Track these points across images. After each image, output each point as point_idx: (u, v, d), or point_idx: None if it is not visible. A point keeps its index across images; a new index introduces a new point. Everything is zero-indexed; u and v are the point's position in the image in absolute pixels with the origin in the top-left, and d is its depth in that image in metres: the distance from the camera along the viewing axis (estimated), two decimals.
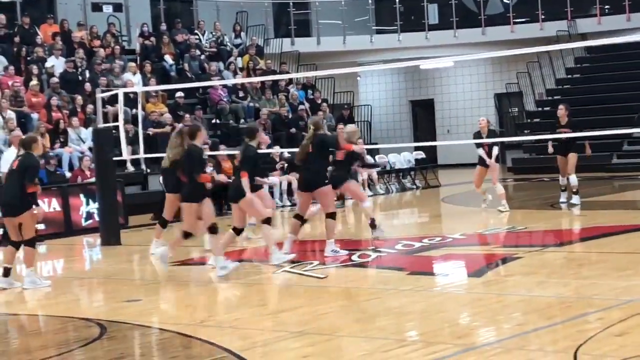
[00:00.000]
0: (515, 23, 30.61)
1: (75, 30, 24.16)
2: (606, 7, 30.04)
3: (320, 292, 9.74)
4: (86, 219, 17.62)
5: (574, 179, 16.39)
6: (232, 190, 11.55)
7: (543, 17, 30.17)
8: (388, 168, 24.71)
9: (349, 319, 8.39)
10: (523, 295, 9.01)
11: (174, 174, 11.88)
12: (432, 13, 31.90)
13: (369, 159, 20.64)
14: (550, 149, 16.42)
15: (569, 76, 30.27)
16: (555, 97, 29.75)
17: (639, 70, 27.87)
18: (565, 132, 15.83)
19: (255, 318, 8.61)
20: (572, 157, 16.31)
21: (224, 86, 24.47)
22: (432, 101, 34.04)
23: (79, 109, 20.80)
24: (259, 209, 11.57)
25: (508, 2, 31.42)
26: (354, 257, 11.95)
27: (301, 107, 24.95)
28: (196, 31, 26.92)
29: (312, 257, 12.32)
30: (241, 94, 24.90)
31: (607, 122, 24.47)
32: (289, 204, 21.17)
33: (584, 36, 28.84)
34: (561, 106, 16.47)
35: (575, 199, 16.36)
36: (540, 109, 29.86)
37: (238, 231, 11.65)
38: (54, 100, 20.55)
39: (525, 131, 28.89)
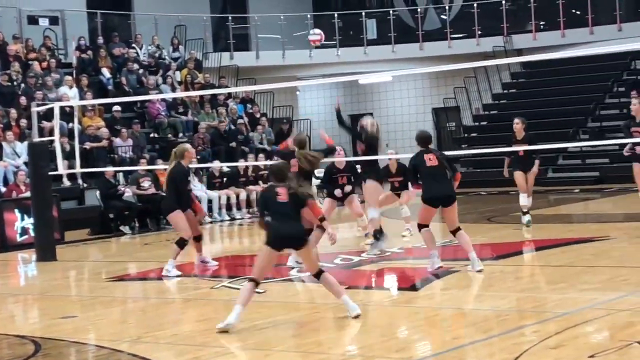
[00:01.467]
0: (452, 39, 30.93)
1: (11, 43, 23.85)
2: (541, 23, 30.50)
3: (259, 307, 9.70)
4: (21, 235, 17.36)
5: (529, 200, 15.89)
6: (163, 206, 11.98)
7: (480, 32, 30.54)
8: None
9: (288, 334, 8.37)
10: (459, 308, 9.08)
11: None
12: (371, 28, 32.11)
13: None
14: (506, 172, 15.84)
15: (505, 91, 30.66)
16: (492, 112, 30.15)
17: (573, 86, 28.34)
18: (522, 147, 15.34)
19: (193, 334, 8.55)
20: (532, 176, 15.52)
21: (163, 100, 24.34)
22: (371, 115, 34.16)
23: (13, 123, 20.51)
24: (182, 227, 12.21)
25: (445, 18, 31.75)
26: (293, 272, 11.94)
27: (240, 121, 24.92)
28: (134, 45, 26.75)
29: (250, 272, 12.26)
30: (180, 108, 24.77)
31: (542, 136, 24.74)
32: (227, 218, 21.11)
33: (519, 52, 29.24)
34: (517, 120, 15.60)
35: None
36: (477, 123, 30.19)
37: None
38: None
39: (463, 145, 29.17)
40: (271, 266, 8.92)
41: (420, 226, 11.31)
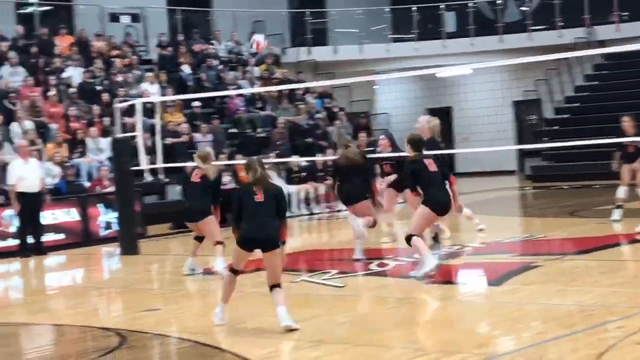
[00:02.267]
0: (533, 30, 30.51)
1: (93, 40, 24.26)
2: (625, 14, 29.89)
3: (339, 301, 9.71)
4: (105, 229, 17.65)
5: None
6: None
7: (561, 24, 30.06)
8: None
9: (367, 328, 8.35)
10: (542, 303, 8.96)
11: None
12: (450, 21, 31.84)
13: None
14: (617, 165, 15.40)
15: (588, 83, 30.15)
16: (574, 105, 29.67)
17: None
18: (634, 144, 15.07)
19: (274, 327, 8.58)
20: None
21: (241, 95, 24.50)
22: (449, 109, 33.96)
23: (96, 119, 20.87)
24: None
25: (526, 9, 31.34)
26: (372, 266, 11.92)
27: (318, 115, 24.95)
28: (213, 41, 26.98)
29: (330, 266, 12.29)
30: (258, 103, 24.92)
31: None
32: (306, 212, 21.17)
33: (602, 43, 28.72)
34: (626, 118, 15.39)
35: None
36: (558, 116, 29.75)
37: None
38: (72, 111, 20.63)
39: (544, 138, 28.77)
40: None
41: (411, 237, 10.52)
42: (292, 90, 25.41)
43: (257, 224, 8.37)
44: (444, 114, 33.84)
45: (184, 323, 9.23)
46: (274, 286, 8.41)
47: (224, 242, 12.02)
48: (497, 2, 31.50)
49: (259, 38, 25.19)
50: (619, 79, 29.18)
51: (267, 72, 26.21)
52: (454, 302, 9.54)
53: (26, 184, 15.68)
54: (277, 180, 20.84)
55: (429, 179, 10.53)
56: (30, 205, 15.73)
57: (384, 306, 9.43)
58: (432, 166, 10.58)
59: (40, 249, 15.93)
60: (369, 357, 7.28)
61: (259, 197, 8.43)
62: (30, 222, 15.83)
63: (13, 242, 16.16)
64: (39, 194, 15.89)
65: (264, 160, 8.93)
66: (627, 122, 15.24)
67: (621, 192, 15.23)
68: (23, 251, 15.83)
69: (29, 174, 15.86)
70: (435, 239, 12.72)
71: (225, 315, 8.73)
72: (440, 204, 10.55)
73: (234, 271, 8.73)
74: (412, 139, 10.86)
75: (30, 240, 15.96)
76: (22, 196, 15.69)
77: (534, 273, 10.72)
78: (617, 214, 15.15)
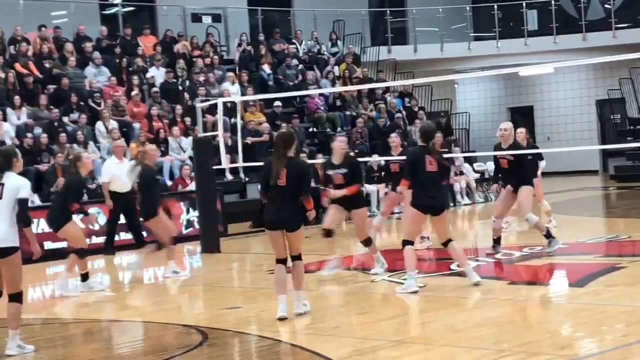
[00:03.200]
0: (617, 28, 29.96)
1: (176, 41, 24.57)
2: None
3: (419, 301, 9.67)
4: (186, 227, 17.86)
5: None
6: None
7: None
8: (487, 176, 24.43)
9: (448, 329, 8.30)
10: (627, 305, 8.80)
11: None
12: (532, 19, 31.43)
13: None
14: None
15: None
16: None
17: None
18: None
19: (354, 326, 8.59)
20: None
21: (321, 95, 24.55)
22: (531, 108, 33.56)
23: (178, 119, 21.13)
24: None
25: (610, 7, 30.79)
26: (453, 266, 11.84)
27: (398, 115, 24.87)
28: (294, 40, 27.10)
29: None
30: (338, 102, 24.94)
31: None
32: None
33: None
34: None
35: None
36: None
37: None
38: (155, 110, 20.92)
39: (628, 138, 28.24)
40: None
41: (406, 242, 10.19)
42: (372, 89, 25.37)
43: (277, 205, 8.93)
44: (525, 113, 33.57)
45: (264, 321, 9.29)
46: (294, 257, 9.05)
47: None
48: None
49: None
50: None
51: (347, 71, 26.23)
52: (537, 303, 9.42)
53: (120, 184, 15.87)
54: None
55: (423, 178, 10.10)
56: (123, 204, 15.98)
57: (465, 306, 9.36)
58: (431, 165, 10.10)
59: (141, 245, 16.38)
60: (450, 358, 7.24)
61: (282, 181, 8.85)
62: (128, 222, 16.15)
63: (100, 240, 16.52)
64: (131, 192, 16.18)
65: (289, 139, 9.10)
66: None
67: None
68: (109, 249, 16.17)
69: (122, 173, 16.13)
70: (498, 241, 12.54)
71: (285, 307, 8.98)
72: (426, 207, 10.12)
73: (279, 260, 9.14)
74: (423, 128, 10.51)
75: (127, 236, 16.33)
76: (115, 195, 15.99)
77: (618, 274, 10.54)
78: None
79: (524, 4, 31.06)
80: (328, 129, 23.94)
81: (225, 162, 16.41)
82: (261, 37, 26.36)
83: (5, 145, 15.61)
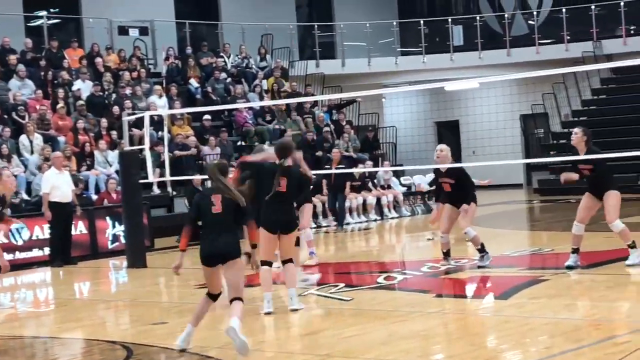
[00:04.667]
0: (540, 44, 30.56)
1: (103, 54, 24.36)
2: (632, 27, 29.93)
3: (346, 315, 9.72)
4: (112, 242, 17.70)
5: None
6: None
7: (568, 38, 30.11)
8: (413, 189, 24.67)
9: (375, 342, 8.35)
10: (550, 318, 8.95)
11: None
12: (457, 35, 31.91)
13: None
14: None
15: (595, 97, 30.16)
16: (582, 118, 29.67)
17: None
18: None
19: (282, 341, 8.59)
20: None
21: (250, 108, 24.55)
22: (457, 122, 33.99)
23: (104, 132, 20.93)
24: None
25: (533, 23, 31.38)
26: (380, 280, 11.92)
27: (326, 129, 24.98)
28: (222, 54, 27.06)
29: (338, 280, 12.29)
30: (267, 116, 24.96)
31: (633, 143, 24.32)
32: (313, 225, 21.17)
33: (609, 57, 28.72)
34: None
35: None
36: (566, 130, 29.69)
37: None
38: (81, 123, 20.70)
39: (551, 152, 28.75)
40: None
41: (264, 263, 9.88)
42: (301, 103, 25.45)
43: (213, 237, 8.44)
44: (451, 127, 34.00)
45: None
46: (234, 299, 8.28)
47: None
48: (505, 15, 31.56)
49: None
50: (627, 92, 29.18)
51: (276, 85, 26.27)
52: (461, 316, 9.53)
53: (59, 194, 16.17)
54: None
55: (271, 196, 9.79)
56: (62, 215, 16.20)
57: (391, 320, 9.43)
58: (281, 186, 9.74)
59: (69, 259, 16.33)
60: None
61: (217, 208, 8.35)
62: (62, 232, 16.21)
63: (39, 253, 16.54)
64: (70, 204, 16.29)
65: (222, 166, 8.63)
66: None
67: None
68: (53, 261, 16.16)
69: (62, 184, 16.21)
70: (447, 254, 12.68)
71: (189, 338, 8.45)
72: (274, 225, 9.83)
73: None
74: (277, 145, 10.29)
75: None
76: (56, 205, 16.12)
77: (541, 287, 10.72)
78: None
79: (450, 20, 31.52)
80: (256, 143, 23.92)
81: (152, 176, 16.31)
82: (189, 50, 26.26)
83: None
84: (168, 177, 17.01)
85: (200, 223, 8.53)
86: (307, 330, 9.01)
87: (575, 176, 12.42)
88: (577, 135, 12.39)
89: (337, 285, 11.53)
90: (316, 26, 30.46)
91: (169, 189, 20.64)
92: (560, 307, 9.44)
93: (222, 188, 8.34)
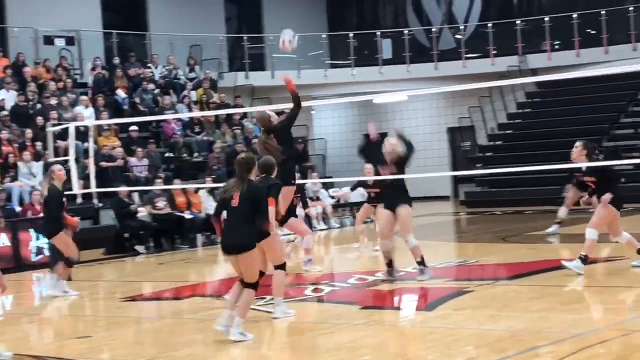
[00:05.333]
0: (467, 58, 30.97)
1: (29, 64, 24.01)
2: (556, 42, 30.50)
3: (272, 327, 9.69)
4: (36, 254, 17.41)
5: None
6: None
7: (494, 52, 30.56)
8: (342, 201, 24.75)
9: (301, 354, 8.35)
10: (475, 328, 9.04)
11: None
12: (386, 48, 32.20)
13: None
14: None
15: (520, 110, 30.63)
16: (507, 131, 30.11)
17: (588, 105, 28.28)
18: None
19: (206, 354, 8.53)
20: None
21: (178, 120, 24.42)
22: (385, 135, 34.15)
23: (29, 143, 20.61)
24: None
25: (460, 37, 31.80)
26: (307, 292, 11.93)
27: (255, 140, 24.93)
28: (149, 64, 26.87)
29: (264, 292, 12.26)
30: (196, 128, 24.85)
31: (557, 155, 24.74)
32: None
33: (534, 71, 29.21)
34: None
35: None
36: (492, 142, 30.14)
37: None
38: (4, 134, 20.35)
39: (477, 165, 29.12)
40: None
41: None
42: (230, 114, 25.40)
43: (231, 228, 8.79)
44: (380, 140, 34.13)
45: (116, 350, 9.13)
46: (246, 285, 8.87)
47: None
48: (432, 29, 31.91)
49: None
50: (551, 106, 29.72)
51: (205, 96, 26.17)
52: (387, 328, 9.58)
53: None
54: (212, 204, 20.88)
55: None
56: None
57: (317, 332, 9.43)
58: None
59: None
60: None
61: (235, 202, 8.75)
62: None
63: None
64: None
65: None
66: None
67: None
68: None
69: None
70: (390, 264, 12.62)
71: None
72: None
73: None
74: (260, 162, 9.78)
75: None
76: None
77: (466, 298, 10.82)
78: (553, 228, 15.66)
79: (379, 33, 31.76)
80: (184, 154, 23.81)
81: (77, 188, 16.11)
82: (116, 60, 26.04)
83: None
84: (94, 189, 16.81)
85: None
86: (233, 343, 8.95)
87: (578, 194, 12.69)
88: (577, 149, 12.35)
89: (264, 298, 11.49)
90: (245, 37, 30.44)
91: (95, 201, 20.40)
92: (485, 318, 9.55)
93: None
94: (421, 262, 12.28)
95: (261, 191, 8.92)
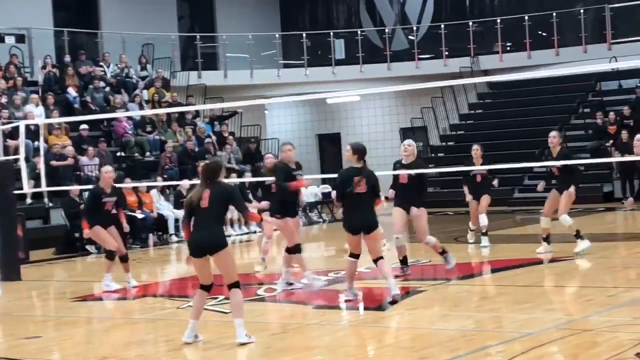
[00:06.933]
0: (420, 59, 31.12)
1: None
2: (508, 44, 30.75)
3: (225, 327, 9.66)
4: None
5: (484, 219, 16.21)
6: None
7: (447, 53, 30.75)
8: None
9: (254, 354, 8.34)
10: (426, 328, 9.09)
11: None
12: (339, 48, 32.24)
13: None
14: (469, 197, 15.97)
15: (472, 111, 30.84)
16: (459, 132, 30.30)
17: (539, 106, 28.55)
18: (481, 172, 15.70)
19: (159, 354, 8.49)
20: (485, 199, 15.85)
21: (129, 118, 24.25)
22: (338, 135, 34.25)
23: None
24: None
25: (413, 38, 31.95)
26: (260, 292, 11.91)
27: (208, 140, 24.86)
28: (101, 63, 26.66)
29: (217, 292, 12.21)
30: (148, 127, 24.70)
31: (508, 156, 24.96)
32: None
33: (486, 72, 29.43)
34: (475, 146, 15.99)
35: (485, 241, 16.09)
36: (444, 143, 30.31)
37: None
38: None
39: (430, 165, 29.26)
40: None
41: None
42: (182, 114, 25.27)
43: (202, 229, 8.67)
44: (333, 140, 34.25)
45: (66, 351, 9.05)
46: (230, 286, 8.68)
47: None
48: (385, 30, 32.03)
49: None
50: (502, 107, 29.96)
51: (157, 95, 26.02)
52: (339, 328, 9.59)
53: None
54: (163, 204, 20.81)
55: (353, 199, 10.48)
56: None
57: (269, 332, 9.43)
58: (360, 188, 10.45)
59: None
60: None
61: (204, 203, 8.68)
62: None
63: None
64: None
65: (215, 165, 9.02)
66: (476, 152, 15.82)
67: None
68: None
69: None
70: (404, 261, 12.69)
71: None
72: (354, 227, 10.48)
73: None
74: (357, 147, 11.12)
75: None
76: None
77: (418, 298, 10.88)
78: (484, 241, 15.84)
79: (332, 34, 31.80)
80: (136, 154, 23.65)
81: (27, 187, 15.93)
82: (67, 58, 25.79)
83: None
84: (44, 188, 16.62)
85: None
86: (189, 344, 8.91)
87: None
88: (556, 139, 13.85)
89: (216, 298, 11.45)
90: (198, 37, 30.31)
91: (45, 200, 20.19)
92: (437, 318, 9.60)
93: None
94: (404, 260, 12.71)
95: (233, 190, 8.92)
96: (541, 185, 14.30)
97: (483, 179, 15.84)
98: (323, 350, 8.42)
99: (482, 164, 15.74)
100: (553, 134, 14.05)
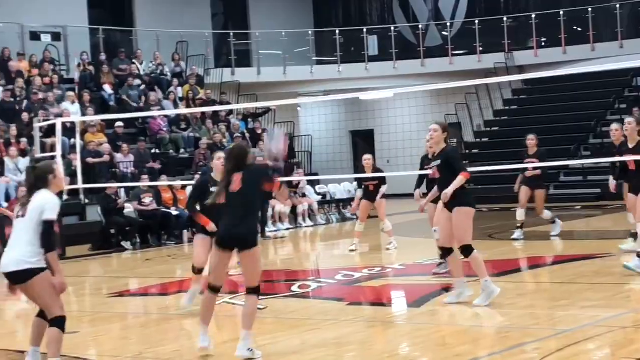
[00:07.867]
0: (453, 55, 31.00)
1: (14, 59, 23.92)
2: (543, 39, 30.56)
3: (260, 323, 9.69)
4: None
5: (547, 213, 16.07)
6: None
7: (481, 49, 30.60)
8: (329, 198, 24.77)
9: (289, 350, 8.36)
10: (461, 325, 9.07)
11: None
12: (372, 44, 32.19)
13: None
14: (517, 187, 15.90)
15: (507, 107, 30.68)
16: (494, 128, 30.16)
17: (575, 102, 28.36)
18: (533, 163, 15.65)
19: (194, 350, 8.53)
20: (540, 194, 15.77)
21: (164, 116, 24.37)
22: (372, 132, 34.23)
23: (13, 140, 20.52)
24: None
25: (447, 34, 31.83)
26: (294, 288, 11.93)
27: (237, 135, 24.90)
28: (134, 60, 26.81)
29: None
30: (183, 125, 24.80)
31: (544, 152, 24.88)
32: None
33: (521, 68, 29.29)
34: (531, 136, 15.93)
35: (555, 229, 16.03)
36: (478, 140, 30.20)
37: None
38: None
39: (464, 162, 29.12)
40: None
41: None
42: (216, 111, 25.36)
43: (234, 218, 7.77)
44: (366, 137, 34.23)
45: (103, 346, 9.12)
46: (249, 290, 7.90)
47: None
48: (419, 26, 31.93)
49: None
50: (537, 103, 29.76)
51: (191, 92, 26.13)
52: (375, 324, 9.59)
53: None
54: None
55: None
56: None
57: (304, 328, 9.44)
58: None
59: None
60: None
61: (235, 187, 7.80)
62: None
63: None
64: None
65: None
66: (531, 141, 15.78)
67: (523, 214, 15.97)
68: None
69: None
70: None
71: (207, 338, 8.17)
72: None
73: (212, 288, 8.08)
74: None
75: None
76: None
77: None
78: (517, 233, 15.76)
79: (365, 30, 31.77)
80: (171, 151, 23.77)
81: (63, 184, 16.03)
82: (103, 56, 25.96)
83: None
84: (81, 185, 16.75)
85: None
86: (221, 339, 8.95)
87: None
88: (632, 125, 11.69)
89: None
90: (232, 34, 30.39)
91: (82, 197, 20.35)
92: (471, 315, 9.57)
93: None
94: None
95: (267, 169, 8.05)
96: (613, 184, 13.37)
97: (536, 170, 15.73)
98: (357, 346, 8.42)
99: (535, 153, 15.64)
100: (629, 119, 11.88)
